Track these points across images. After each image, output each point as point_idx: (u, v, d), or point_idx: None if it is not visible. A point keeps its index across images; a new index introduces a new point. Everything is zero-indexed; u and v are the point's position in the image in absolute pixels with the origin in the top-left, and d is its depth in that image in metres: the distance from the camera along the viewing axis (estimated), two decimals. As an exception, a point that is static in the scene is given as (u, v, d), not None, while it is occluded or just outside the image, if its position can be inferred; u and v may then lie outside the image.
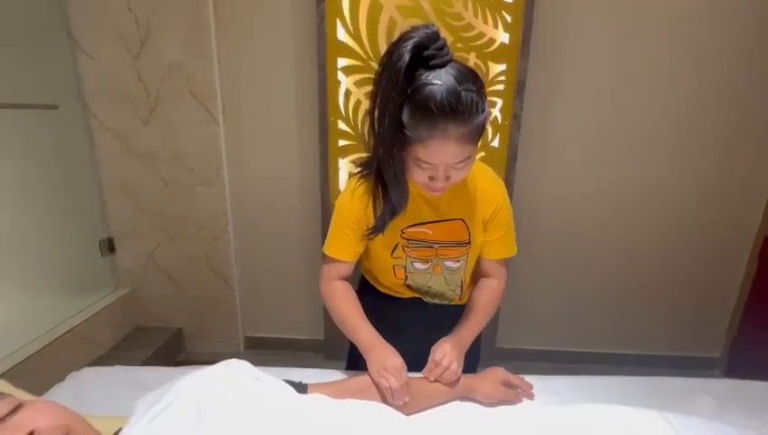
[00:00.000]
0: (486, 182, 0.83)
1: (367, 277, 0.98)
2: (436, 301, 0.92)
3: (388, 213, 0.75)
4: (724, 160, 1.64)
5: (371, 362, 0.77)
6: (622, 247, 1.76)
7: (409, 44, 0.59)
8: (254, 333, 1.98)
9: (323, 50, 1.47)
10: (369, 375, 0.76)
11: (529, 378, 0.86)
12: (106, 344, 1.75)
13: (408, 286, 0.90)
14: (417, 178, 0.70)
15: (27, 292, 1.48)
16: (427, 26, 0.61)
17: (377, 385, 0.74)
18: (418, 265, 0.85)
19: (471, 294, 0.90)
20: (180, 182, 1.74)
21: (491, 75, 1.49)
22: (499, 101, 1.52)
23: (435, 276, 0.87)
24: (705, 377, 0.94)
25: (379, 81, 0.63)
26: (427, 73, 0.61)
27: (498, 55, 1.47)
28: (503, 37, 1.45)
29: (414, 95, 0.61)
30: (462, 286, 0.90)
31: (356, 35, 1.47)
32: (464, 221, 0.82)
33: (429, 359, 0.79)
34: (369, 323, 0.84)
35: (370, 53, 1.48)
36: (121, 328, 1.85)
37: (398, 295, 0.92)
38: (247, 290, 1.92)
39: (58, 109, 1.56)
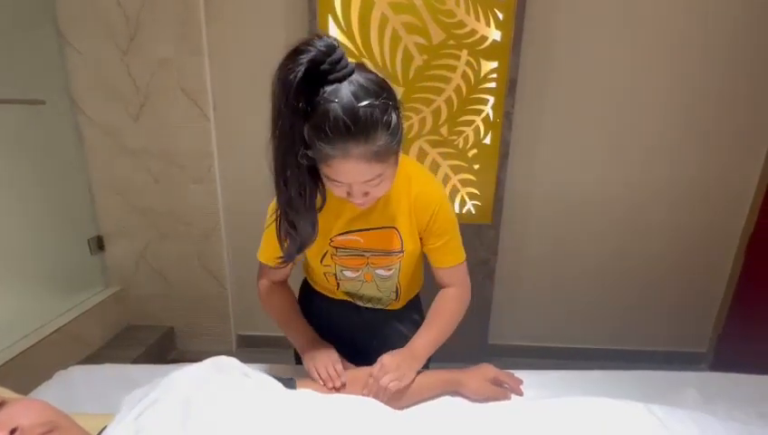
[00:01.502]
0: (421, 187, 0.77)
1: (306, 276, 0.97)
2: (369, 305, 0.90)
3: (294, 247, 0.69)
4: (711, 160, 1.66)
5: (305, 359, 0.80)
6: (611, 244, 1.78)
7: (304, 59, 0.53)
8: (247, 332, 1.97)
9: (315, 46, 1.47)
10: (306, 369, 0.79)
11: (517, 373, 0.87)
12: (96, 343, 1.73)
13: (344, 292, 0.89)
14: (337, 193, 0.66)
15: (14, 290, 1.46)
16: (321, 38, 0.55)
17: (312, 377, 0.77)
18: (348, 274, 0.83)
19: (431, 306, 0.86)
20: (171, 179, 1.72)
21: (483, 73, 1.49)
22: (491, 99, 1.52)
23: (366, 284, 0.84)
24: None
25: (272, 99, 0.57)
26: (324, 90, 0.56)
27: (490, 53, 1.47)
28: (494, 35, 1.45)
29: (312, 114, 0.57)
30: (397, 292, 0.87)
31: (348, 32, 1.46)
32: (396, 229, 0.77)
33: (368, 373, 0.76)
34: (303, 323, 0.86)
35: (363, 51, 1.48)
36: (112, 327, 1.83)
37: (333, 296, 0.91)
38: (239, 288, 1.91)
39: (45, 104, 1.53)
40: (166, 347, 1.89)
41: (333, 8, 1.44)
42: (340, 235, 0.78)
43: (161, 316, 1.91)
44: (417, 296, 0.97)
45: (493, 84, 1.50)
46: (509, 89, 1.49)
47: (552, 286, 1.85)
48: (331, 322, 0.90)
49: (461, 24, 1.44)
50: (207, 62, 1.60)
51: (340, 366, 0.77)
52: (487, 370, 0.83)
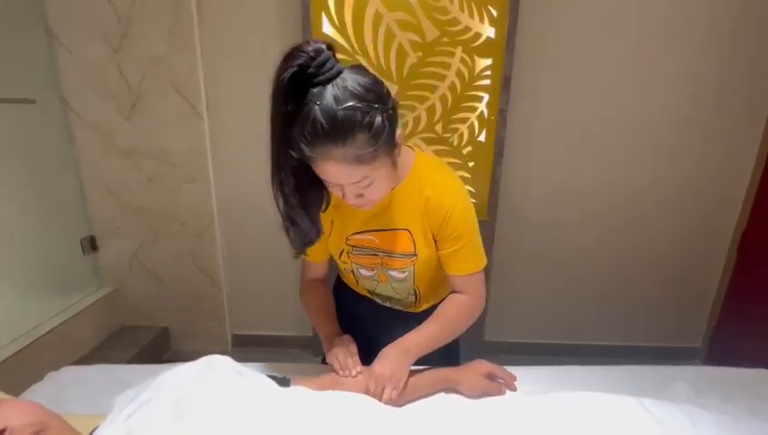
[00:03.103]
0: (436, 190, 0.74)
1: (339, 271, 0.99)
2: (389, 304, 0.91)
3: (299, 242, 0.72)
4: (705, 157, 1.67)
5: (327, 353, 0.81)
6: (606, 241, 1.79)
7: (293, 63, 0.56)
8: (242, 331, 1.97)
9: (309, 44, 1.46)
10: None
11: (511, 369, 0.87)
12: (89, 344, 1.71)
13: (365, 289, 0.91)
14: (332, 192, 0.68)
15: (6, 291, 1.44)
16: (309, 43, 0.57)
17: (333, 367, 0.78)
18: (363, 272, 0.84)
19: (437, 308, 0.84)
20: (164, 179, 1.71)
21: (477, 70, 1.49)
22: (485, 96, 1.52)
23: (381, 283, 0.85)
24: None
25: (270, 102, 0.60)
26: (311, 92, 0.58)
27: (484, 50, 1.47)
28: (489, 32, 1.45)
29: (297, 117, 0.58)
30: (416, 295, 0.87)
31: (341, 29, 1.45)
32: (410, 232, 0.76)
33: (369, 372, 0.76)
34: (330, 319, 0.87)
35: (356, 47, 1.48)
36: (105, 328, 1.82)
37: (358, 291, 0.93)
38: (234, 287, 1.90)
39: (35, 103, 1.51)
40: (160, 347, 1.88)
41: (327, 5, 1.43)
42: (356, 233, 0.79)
43: (155, 317, 1.90)
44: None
45: (487, 81, 1.50)
46: (503, 86, 1.49)
47: (547, 283, 1.86)
48: (354, 316, 0.92)
49: (455, 21, 1.44)
50: (200, 60, 1.59)
51: (357, 358, 0.78)
52: (481, 365, 0.83)
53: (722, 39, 1.53)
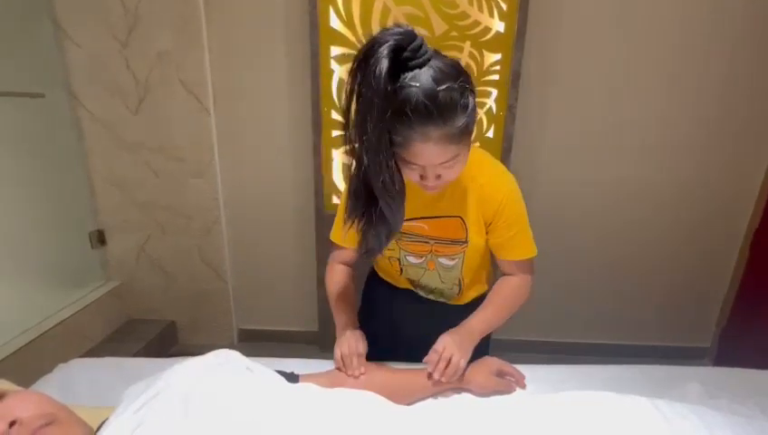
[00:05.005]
0: (490, 179, 0.78)
1: (372, 263, 0.99)
2: (432, 296, 0.90)
3: (384, 233, 0.70)
4: (717, 154, 1.64)
5: (336, 343, 0.80)
6: (615, 238, 1.77)
7: (385, 49, 0.56)
8: (248, 326, 1.98)
9: (316, 38, 1.45)
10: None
11: (521, 367, 0.87)
12: (97, 338, 1.73)
13: (408, 279, 0.90)
14: (410, 177, 0.68)
15: (15, 284, 1.46)
16: (400, 26, 0.58)
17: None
18: (411, 259, 0.84)
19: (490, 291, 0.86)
20: (171, 173, 1.71)
21: (486, 65, 1.48)
22: (494, 92, 1.50)
23: (429, 272, 0.85)
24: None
25: (352, 89, 0.60)
26: (405, 75, 0.59)
27: (493, 45, 1.45)
28: (498, 26, 1.43)
29: (393, 99, 0.59)
30: (460, 285, 0.88)
31: (349, 23, 1.44)
32: (461, 219, 0.79)
33: (431, 349, 0.76)
34: (350, 307, 0.86)
35: (364, 42, 1.46)
36: (113, 321, 1.83)
37: (396, 284, 0.92)
38: (241, 282, 1.91)
39: (44, 98, 1.52)
40: (167, 341, 1.90)
41: (335, -1, 1.42)
42: (406, 220, 0.78)
43: (162, 310, 1.91)
44: (481, 298, 0.94)
45: (496, 77, 1.49)
46: (512, 81, 1.47)
47: (555, 281, 1.84)
48: (392, 310, 0.92)
49: (464, 15, 1.42)
50: (207, 55, 1.58)
51: (363, 357, 0.78)
52: (491, 363, 0.82)
53: (736, 35, 1.50)
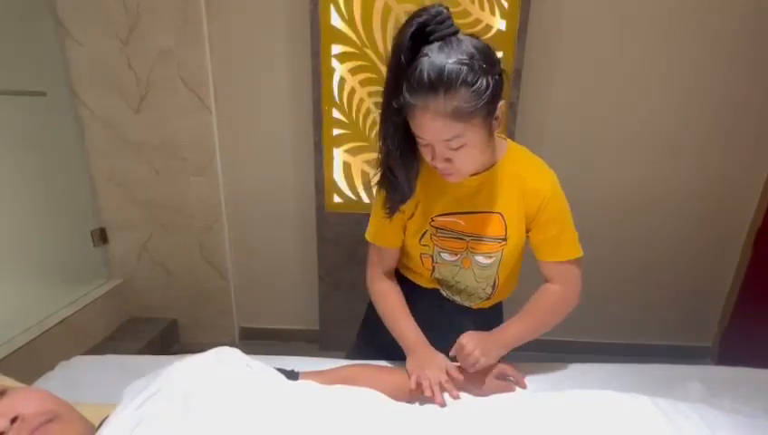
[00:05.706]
0: (533, 172, 0.77)
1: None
2: (457, 298, 0.87)
3: (398, 197, 0.72)
4: (719, 154, 1.64)
5: (409, 361, 0.78)
6: (617, 238, 1.76)
7: (414, 23, 0.60)
8: (249, 324, 1.98)
9: (317, 36, 1.45)
10: (407, 371, 0.77)
11: (522, 365, 0.87)
12: (98, 336, 1.74)
13: (436, 279, 0.85)
14: (424, 155, 0.69)
15: (17, 282, 1.47)
16: (433, 6, 0.61)
17: (418, 385, 0.74)
18: (446, 256, 0.80)
19: (530, 299, 0.83)
20: (172, 172, 1.72)
21: (487, 63, 1.47)
22: (495, 90, 1.50)
23: (463, 270, 0.81)
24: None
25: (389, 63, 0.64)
26: (425, 47, 0.61)
27: (495, 43, 1.41)
28: (499, 24, 1.43)
29: (407, 68, 0.62)
30: (494, 286, 0.84)
31: (350, 21, 1.44)
32: (501, 215, 0.76)
33: (456, 341, 0.76)
34: (414, 323, 0.83)
35: (365, 40, 1.46)
36: (114, 319, 1.84)
37: (421, 284, 0.88)
38: (242, 280, 1.91)
39: (46, 96, 1.52)
40: (169, 339, 1.90)
41: (335, -3, 1.41)
42: (441, 215, 0.77)
43: (164, 309, 1.91)
44: (500, 304, 0.94)
45: (497, 75, 1.48)
46: (514, 80, 1.47)
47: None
48: (415, 311, 0.87)
49: (465, 13, 1.42)
50: (208, 53, 1.58)
51: (450, 384, 0.75)
52: (492, 364, 0.82)
53: (742, 36, 1.49)
